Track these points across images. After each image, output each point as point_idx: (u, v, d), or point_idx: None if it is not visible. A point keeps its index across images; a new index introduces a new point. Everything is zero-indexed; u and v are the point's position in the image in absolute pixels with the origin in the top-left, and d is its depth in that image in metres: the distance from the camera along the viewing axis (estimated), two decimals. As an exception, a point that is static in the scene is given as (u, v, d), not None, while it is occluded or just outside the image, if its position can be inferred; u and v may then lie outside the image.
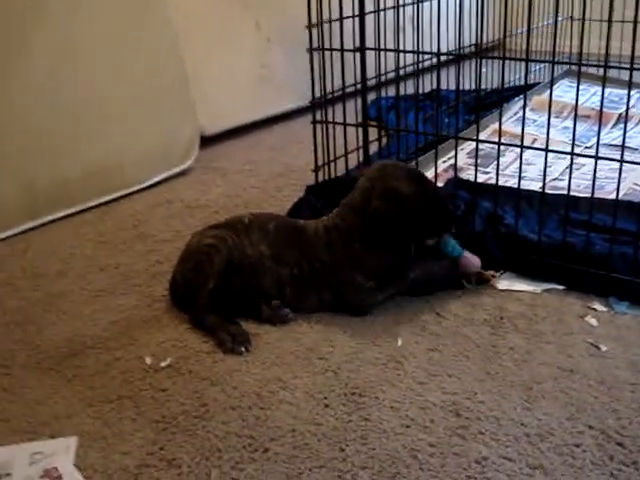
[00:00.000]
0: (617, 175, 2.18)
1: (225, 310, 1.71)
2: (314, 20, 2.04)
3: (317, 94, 2.14)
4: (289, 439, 1.33)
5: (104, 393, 1.49)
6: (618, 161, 1.72)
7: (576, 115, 1.85)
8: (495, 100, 3.13)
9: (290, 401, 1.43)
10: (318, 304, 1.75)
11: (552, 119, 3.06)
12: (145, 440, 1.35)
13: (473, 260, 1.83)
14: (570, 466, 1.24)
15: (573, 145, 1.81)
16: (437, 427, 1.34)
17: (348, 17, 2.05)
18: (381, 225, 1.68)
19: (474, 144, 2.68)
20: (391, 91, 2.41)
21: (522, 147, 1.87)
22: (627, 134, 2.86)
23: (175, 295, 1.82)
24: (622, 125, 2.96)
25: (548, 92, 3.42)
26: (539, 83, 3.43)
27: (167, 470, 1.27)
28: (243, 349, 1.60)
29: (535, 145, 2.66)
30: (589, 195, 2.12)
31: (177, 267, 1.82)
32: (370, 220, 1.69)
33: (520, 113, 3.15)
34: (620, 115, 3.07)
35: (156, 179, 2.67)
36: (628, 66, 1.70)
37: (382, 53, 2.14)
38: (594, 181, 1.78)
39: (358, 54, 2.12)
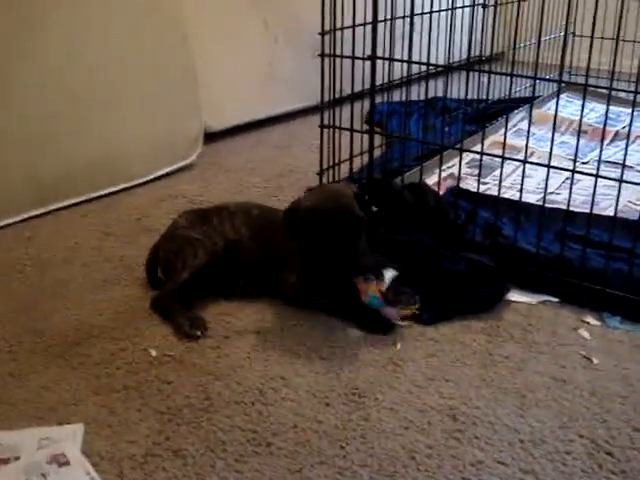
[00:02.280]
0: (612, 192, 2.25)
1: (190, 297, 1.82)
2: (327, 26, 2.08)
3: (326, 98, 2.18)
4: (291, 435, 1.37)
5: (110, 382, 1.53)
6: (617, 180, 1.77)
7: (579, 132, 1.91)
8: (496, 111, 3.18)
9: (292, 398, 1.47)
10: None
11: (549, 133, 3.13)
12: (151, 430, 1.39)
13: (390, 313, 1.73)
14: (561, 472, 1.29)
15: (575, 162, 1.86)
16: (434, 430, 1.39)
17: (361, 25, 2.09)
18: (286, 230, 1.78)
19: (473, 154, 2.75)
20: (387, 97, 2.46)
21: (525, 162, 1.92)
22: (622, 152, 2.93)
23: (149, 266, 1.91)
24: (619, 142, 3.03)
25: (547, 106, 3.50)
26: (539, 96, 3.47)
27: (173, 460, 1.31)
28: (199, 333, 1.68)
29: (533, 158, 2.71)
30: (584, 210, 2.18)
31: (160, 242, 1.91)
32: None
33: (519, 126, 3.22)
34: (617, 132, 3.12)
35: (159, 173, 2.70)
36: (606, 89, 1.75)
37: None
38: (593, 198, 1.83)
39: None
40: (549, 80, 3.13)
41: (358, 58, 2.07)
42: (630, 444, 1.36)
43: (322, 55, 2.08)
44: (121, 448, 1.34)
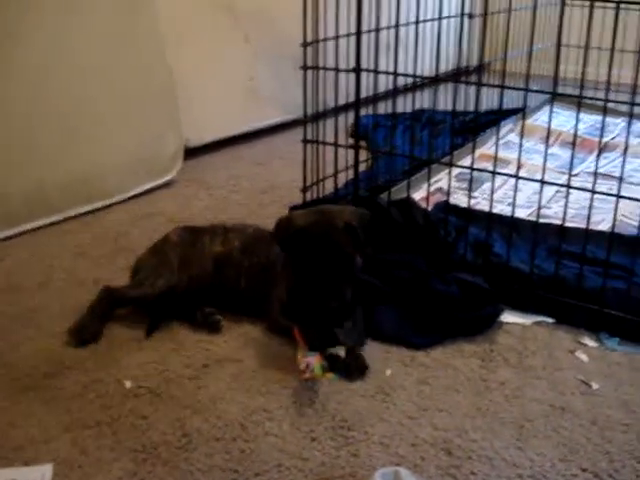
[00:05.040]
0: (603, 205, 2.17)
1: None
2: (308, 38, 2.00)
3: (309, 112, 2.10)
4: (275, 474, 1.28)
5: (82, 418, 1.43)
6: (615, 196, 1.69)
7: (574, 143, 1.84)
8: (483, 123, 3.11)
9: (276, 433, 1.38)
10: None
11: (538, 145, 3.08)
12: (124, 471, 1.29)
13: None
14: (564, 511, 1.21)
15: (570, 176, 1.79)
16: (428, 466, 1.30)
17: (344, 36, 2.01)
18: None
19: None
20: (371, 109, 2.39)
21: (517, 177, 1.84)
22: (612, 164, 2.87)
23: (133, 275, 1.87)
24: (607, 154, 2.96)
25: (534, 117, 3.44)
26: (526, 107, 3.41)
27: (148, 504, 1.22)
28: (75, 342, 1.67)
29: (522, 171, 2.64)
30: (575, 224, 2.10)
31: (145, 252, 1.89)
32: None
33: (507, 138, 3.15)
34: (606, 144, 3.05)
35: (138, 190, 2.61)
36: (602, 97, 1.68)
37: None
38: (590, 213, 1.75)
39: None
40: (542, 92, 3.07)
41: (342, 70, 1.99)
42: (635, 477, 1.28)
43: (304, 67, 2.00)
44: (92, 491, 1.25)
